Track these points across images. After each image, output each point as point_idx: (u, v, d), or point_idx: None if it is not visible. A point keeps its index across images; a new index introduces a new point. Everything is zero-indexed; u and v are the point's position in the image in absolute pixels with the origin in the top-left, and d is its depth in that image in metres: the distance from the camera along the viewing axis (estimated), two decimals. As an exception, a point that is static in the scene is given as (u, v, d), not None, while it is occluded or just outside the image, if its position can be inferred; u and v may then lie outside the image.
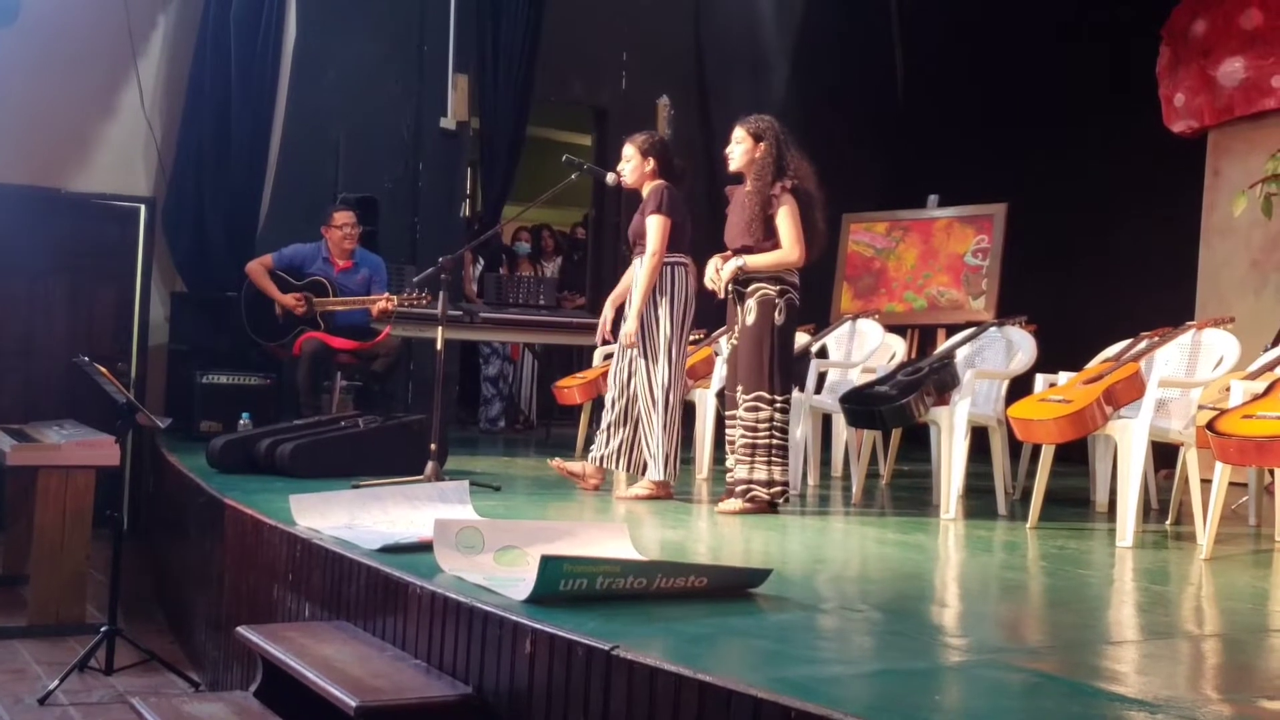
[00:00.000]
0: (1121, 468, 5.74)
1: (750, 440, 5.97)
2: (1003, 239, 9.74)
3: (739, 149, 6.18)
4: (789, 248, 6.00)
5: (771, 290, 6.02)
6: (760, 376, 5.97)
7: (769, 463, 5.95)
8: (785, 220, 6.01)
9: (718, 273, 6.15)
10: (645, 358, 6.37)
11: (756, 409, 5.95)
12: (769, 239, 6.04)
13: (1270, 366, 5.93)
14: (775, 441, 5.96)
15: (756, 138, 6.14)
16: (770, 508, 5.96)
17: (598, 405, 7.31)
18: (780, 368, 6.00)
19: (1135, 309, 8.08)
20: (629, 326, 6.37)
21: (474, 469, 7.09)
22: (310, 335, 8.03)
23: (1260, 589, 4.78)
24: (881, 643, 3.59)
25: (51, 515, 6.54)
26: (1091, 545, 5.61)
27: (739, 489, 5.98)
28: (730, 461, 6.09)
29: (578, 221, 12.66)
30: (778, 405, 5.97)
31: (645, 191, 6.51)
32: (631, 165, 6.56)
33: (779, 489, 5.97)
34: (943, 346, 7.61)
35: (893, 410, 6.36)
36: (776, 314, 6.00)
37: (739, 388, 6.04)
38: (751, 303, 6.04)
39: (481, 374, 10.76)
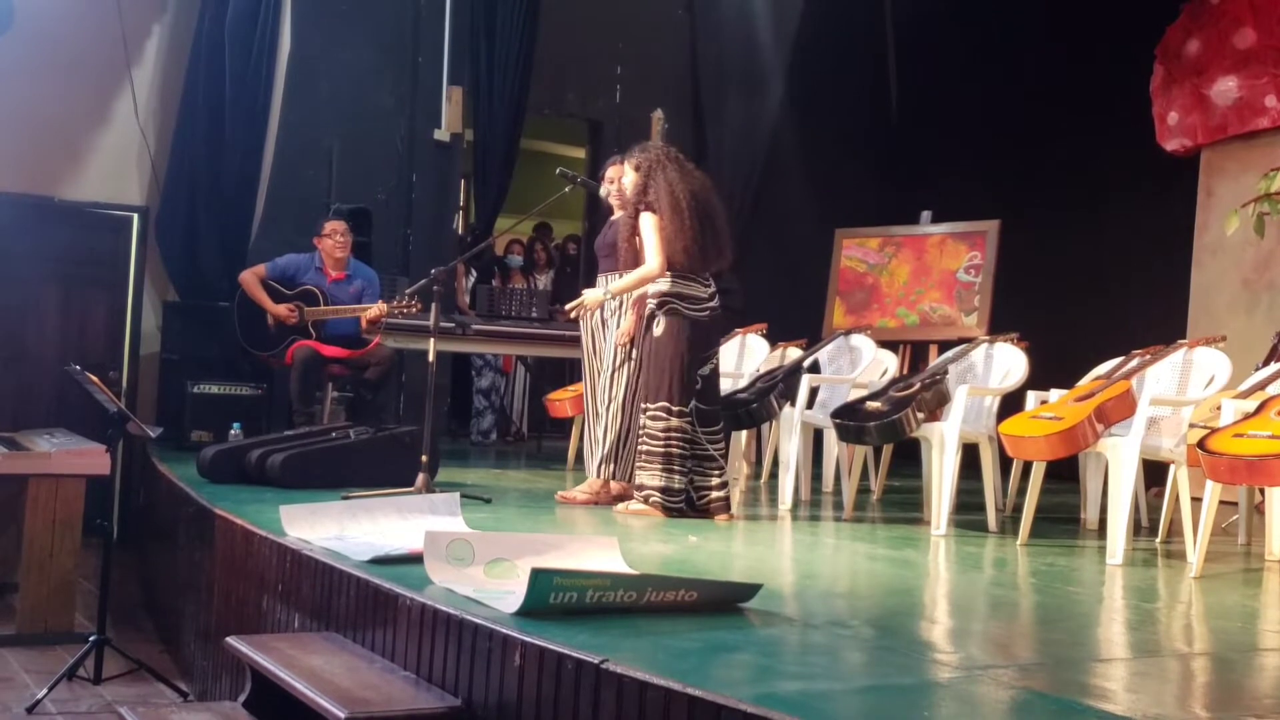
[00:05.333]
0: (1112, 485, 5.74)
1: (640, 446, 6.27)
2: (995, 256, 9.75)
3: (627, 180, 6.47)
4: (649, 260, 6.20)
5: (652, 303, 6.27)
6: (643, 386, 6.28)
7: (642, 468, 6.19)
8: (645, 232, 6.23)
9: (579, 299, 6.55)
10: (623, 365, 6.56)
11: (636, 415, 6.28)
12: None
13: (1261, 385, 5.94)
14: (647, 448, 6.16)
15: (637, 168, 6.40)
16: (665, 512, 6.13)
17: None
18: (657, 378, 6.18)
19: (1127, 327, 8.10)
20: (623, 325, 6.55)
21: (465, 481, 7.08)
22: (302, 344, 8.02)
23: (1250, 607, 4.79)
24: (871, 658, 3.59)
25: (41, 523, 6.53)
26: (1081, 562, 5.62)
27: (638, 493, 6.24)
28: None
29: (569, 235, 12.67)
30: (649, 413, 6.17)
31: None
32: (614, 188, 6.77)
33: (649, 493, 6.14)
34: (935, 363, 7.62)
35: (884, 426, 6.38)
36: (655, 326, 6.22)
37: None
38: (643, 317, 6.35)
39: (474, 386, 10.75)
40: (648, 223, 6.20)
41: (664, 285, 6.21)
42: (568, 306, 6.68)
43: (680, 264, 6.19)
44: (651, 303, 6.24)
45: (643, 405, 6.20)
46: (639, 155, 6.42)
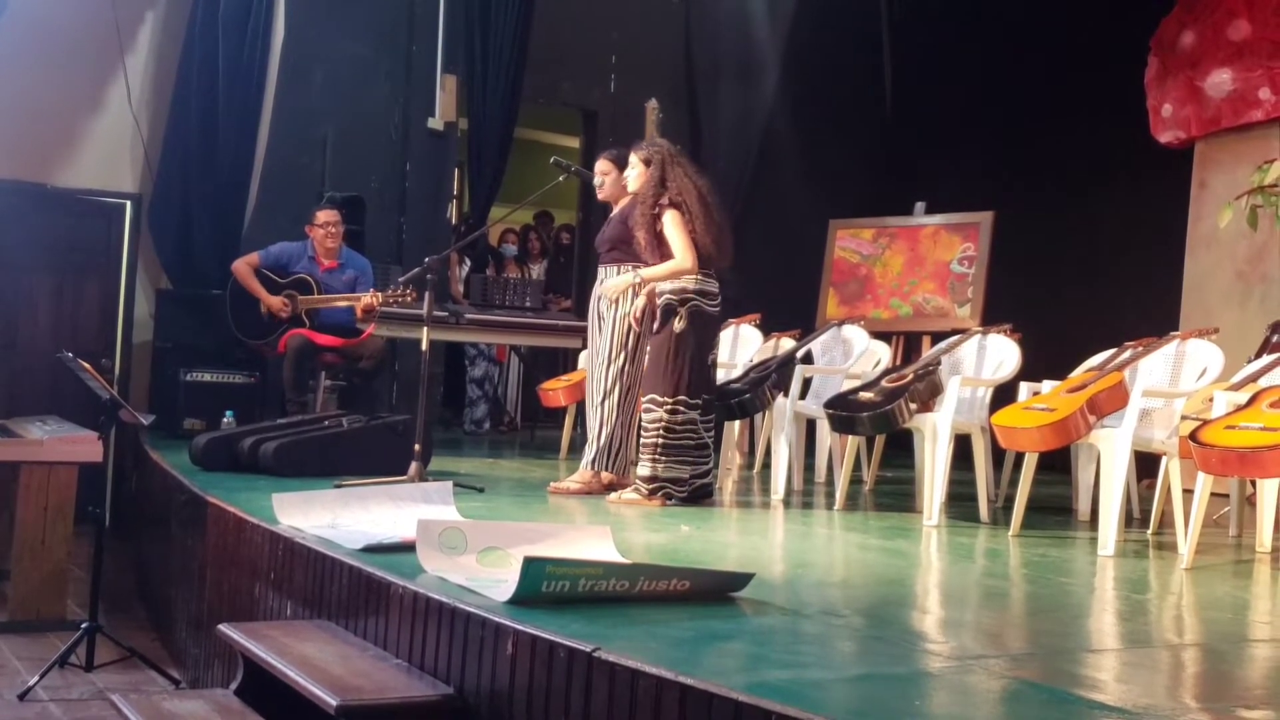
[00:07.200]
0: (1104, 477, 5.75)
1: (641, 439, 6.32)
2: (989, 247, 9.75)
3: (632, 173, 6.51)
4: (681, 256, 6.22)
5: (673, 298, 6.28)
6: (655, 380, 6.26)
7: (653, 460, 6.22)
8: (672, 231, 6.25)
9: (602, 285, 6.57)
10: (619, 359, 6.56)
11: (649, 410, 6.26)
12: (661, 251, 6.32)
13: (1253, 378, 5.94)
14: (662, 441, 6.21)
15: (646, 162, 6.45)
16: (678, 501, 6.21)
17: (582, 408, 7.33)
18: (676, 372, 6.22)
19: (1120, 319, 8.09)
20: (635, 306, 6.53)
21: (458, 470, 7.08)
22: (295, 332, 8.01)
23: (1240, 599, 4.80)
24: (863, 648, 3.60)
25: (33, 511, 6.53)
26: (1073, 553, 5.63)
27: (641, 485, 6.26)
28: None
29: (563, 224, 12.67)
30: (666, 407, 6.21)
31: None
32: (611, 179, 6.78)
33: (661, 485, 6.20)
34: (927, 354, 7.62)
35: (877, 416, 6.38)
36: (677, 321, 6.25)
37: (642, 388, 6.41)
38: (658, 311, 6.34)
39: (467, 375, 10.75)
40: (673, 220, 6.23)
41: (688, 283, 6.26)
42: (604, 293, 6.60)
43: (709, 258, 6.28)
44: (672, 299, 6.27)
45: (660, 399, 6.21)
46: (647, 149, 6.50)
